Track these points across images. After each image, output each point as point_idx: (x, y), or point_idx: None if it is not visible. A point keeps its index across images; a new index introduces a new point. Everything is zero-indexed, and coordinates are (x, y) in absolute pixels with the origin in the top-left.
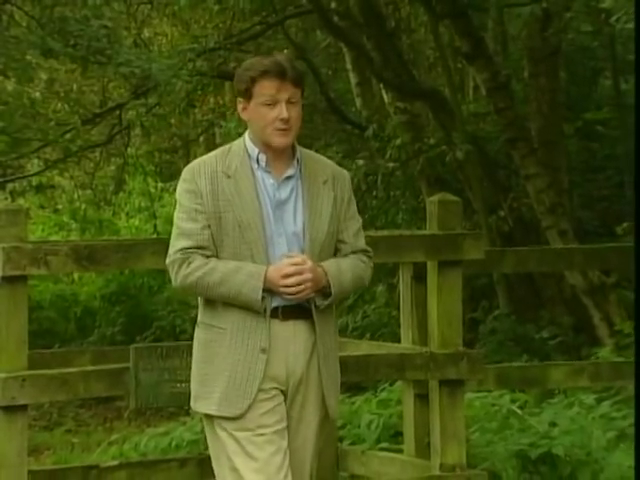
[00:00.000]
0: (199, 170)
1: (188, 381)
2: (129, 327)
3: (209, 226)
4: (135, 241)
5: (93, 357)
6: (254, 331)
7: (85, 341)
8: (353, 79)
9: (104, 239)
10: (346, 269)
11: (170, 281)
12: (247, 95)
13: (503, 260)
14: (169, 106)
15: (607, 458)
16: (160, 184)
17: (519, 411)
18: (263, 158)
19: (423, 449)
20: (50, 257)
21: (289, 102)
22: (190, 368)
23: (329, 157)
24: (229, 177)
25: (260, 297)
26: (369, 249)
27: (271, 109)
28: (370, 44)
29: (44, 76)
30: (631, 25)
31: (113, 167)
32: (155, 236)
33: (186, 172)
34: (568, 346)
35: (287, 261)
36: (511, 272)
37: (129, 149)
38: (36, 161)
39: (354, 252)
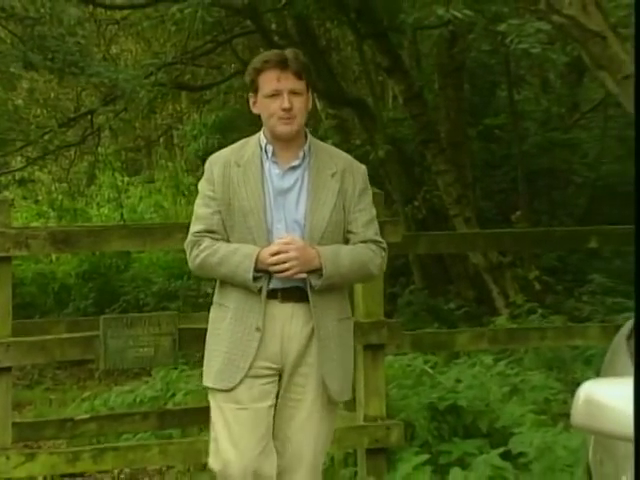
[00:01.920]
0: (216, 160)
1: (150, 346)
2: (99, 301)
3: (220, 212)
4: (104, 227)
5: (68, 326)
6: (251, 310)
7: (61, 313)
8: None
9: (78, 225)
10: (345, 254)
11: (134, 261)
12: (254, 88)
13: (417, 243)
14: (134, 112)
15: (502, 408)
16: (126, 178)
17: (430, 370)
18: (270, 149)
19: (349, 403)
20: (31, 240)
21: (292, 93)
22: (151, 336)
23: None
24: (239, 166)
25: (251, 277)
26: (380, 240)
27: (274, 100)
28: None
29: (25, 85)
30: (522, 46)
31: (86, 163)
32: (122, 223)
33: (207, 163)
34: (471, 315)
35: (277, 241)
36: (424, 253)
37: (99, 148)
38: (19, 158)
39: (364, 242)
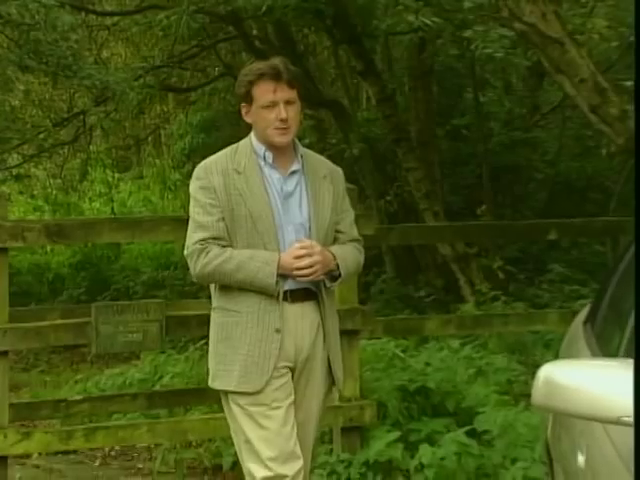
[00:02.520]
0: (211, 168)
1: (139, 332)
2: (91, 289)
3: (223, 218)
4: (96, 220)
5: (62, 313)
6: (268, 313)
7: (56, 300)
8: None
9: (71, 218)
10: (348, 254)
11: (124, 252)
12: (248, 99)
13: (389, 235)
14: (123, 112)
15: (468, 389)
16: (116, 174)
17: (401, 354)
18: (269, 155)
19: None
20: (26, 233)
21: (287, 103)
22: (140, 322)
23: None
24: (239, 173)
25: (275, 281)
26: (361, 238)
27: (270, 111)
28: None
29: (22, 87)
30: (487, 51)
31: (78, 160)
32: (112, 216)
33: (199, 170)
34: (439, 302)
35: (298, 245)
36: (396, 244)
37: (91, 146)
38: (16, 156)
39: (350, 240)
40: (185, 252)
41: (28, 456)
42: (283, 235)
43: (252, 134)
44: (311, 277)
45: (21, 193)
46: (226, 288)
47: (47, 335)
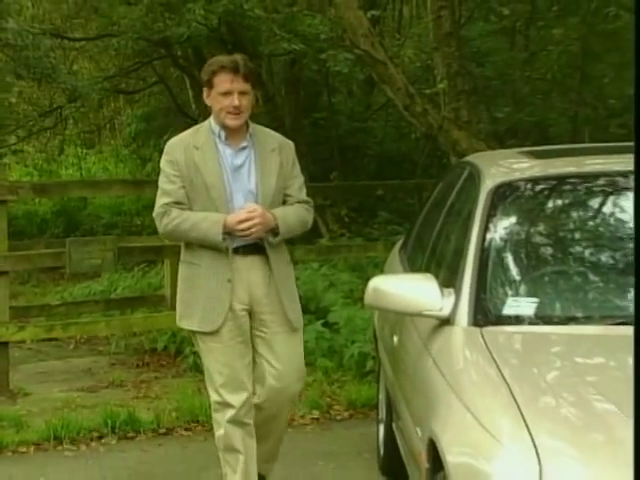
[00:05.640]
0: (176, 145)
1: (99, 258)
2: (66, 229)
3: (184, 187)
4: (69, 182)
5: (46, 245)
6: (221, 266)
7: (42, 237)
8: (190, 93)
9: (51, 180)
10: (291, 214)
11: (90, 204)
12: (209, 85)
13: None
14: (89, 107)
15: (324, 296)
16: (85, 151)
17: None
18: (223, 134)
19: None
20: (20, 190)
21: (240, 93)
22: (100, 251)
23: None
24: (197, 149)
25: (221, 239)
26: (310, 200)
27: (226, 98)
28: (198, 75)
29: (16, 89)
30: (336, 68)
31: (57, 141)
32: (81, 179)
33: (167, 147)
34: (305, 238)
35: (243, 210)
36: None
37: (66, 131)
38: (13, 137)
39: (298, 202)
40: (153, 214)
41: (23, 342)
42: (232, 201)
43: (212, 116)
44: (252, 236)
45: (17, 163)
46: (190, 245)
47: (35, 260)
